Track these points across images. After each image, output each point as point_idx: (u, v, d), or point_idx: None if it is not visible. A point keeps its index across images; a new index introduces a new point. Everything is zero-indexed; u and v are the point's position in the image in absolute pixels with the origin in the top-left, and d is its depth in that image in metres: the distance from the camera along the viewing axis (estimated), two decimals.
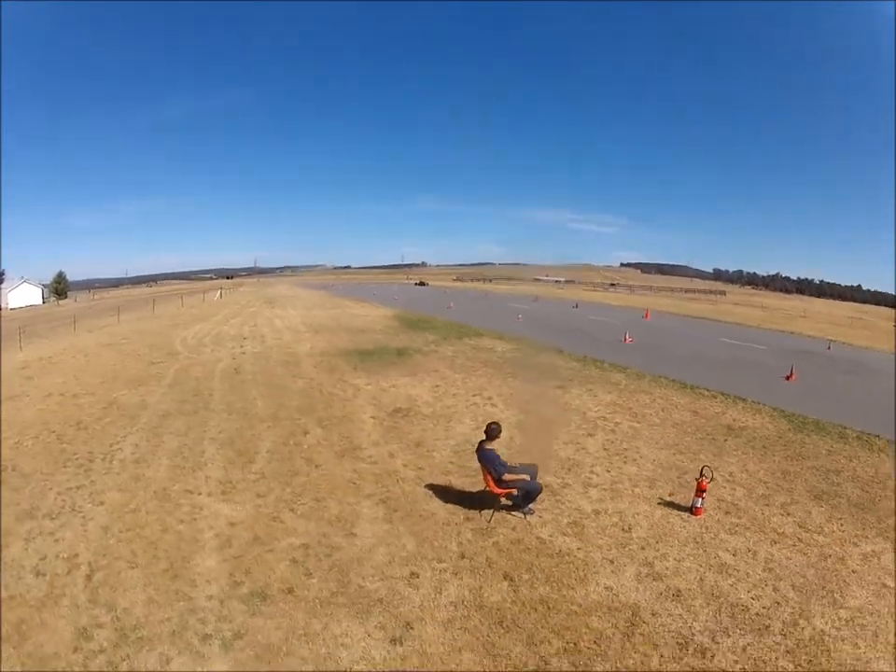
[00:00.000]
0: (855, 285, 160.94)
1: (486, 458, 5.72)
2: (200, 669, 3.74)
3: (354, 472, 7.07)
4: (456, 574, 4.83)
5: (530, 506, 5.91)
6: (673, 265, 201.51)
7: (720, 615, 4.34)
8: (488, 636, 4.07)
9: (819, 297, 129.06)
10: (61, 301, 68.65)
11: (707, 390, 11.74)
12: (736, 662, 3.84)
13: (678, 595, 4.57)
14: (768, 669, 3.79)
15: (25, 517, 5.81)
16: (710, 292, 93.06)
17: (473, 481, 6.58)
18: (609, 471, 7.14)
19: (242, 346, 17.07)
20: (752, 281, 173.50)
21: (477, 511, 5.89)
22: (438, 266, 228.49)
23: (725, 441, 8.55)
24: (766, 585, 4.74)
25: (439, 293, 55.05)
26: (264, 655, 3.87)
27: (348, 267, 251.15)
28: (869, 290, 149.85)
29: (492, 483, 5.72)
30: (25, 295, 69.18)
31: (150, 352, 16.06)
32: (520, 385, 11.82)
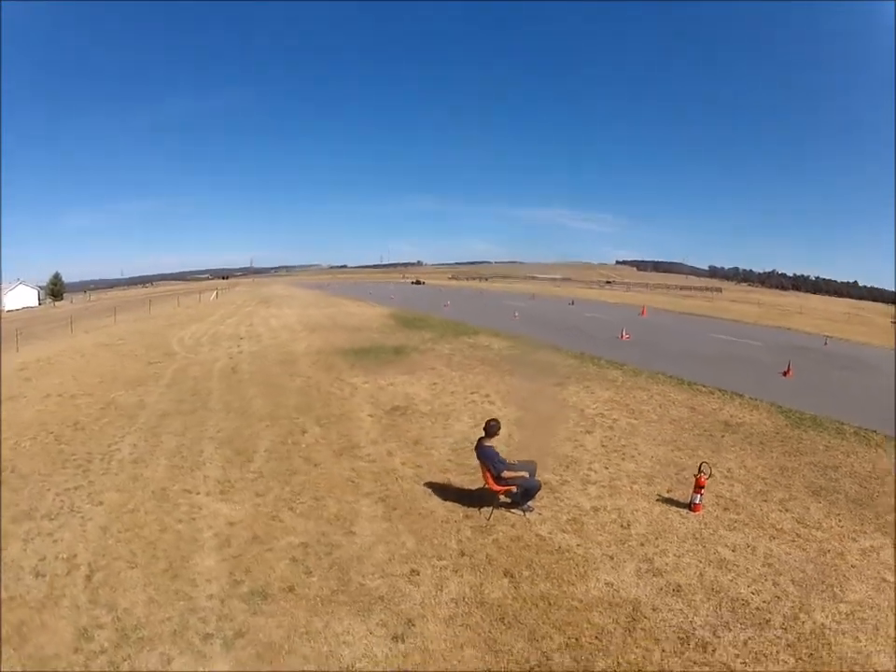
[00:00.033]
0: (851, 281, 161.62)
1: (485, 455, 5.72)
2: (201, 669, 3.74)
3: (352, 471, 7.06)
4: (457, 571, 4.83)
5: (529, 503, 5.91)
6: (669, 262, 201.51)
7: (720, 610, 4.36)
8: (490, 632, 4.08)
9: (815, 293, 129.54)
10: (56, 303, 68.24)
11: (704, 386, 11.75)
12: (738, 656, 3.86)
13: (678, 591, 4.59)
14: (769, 663, 3.80)
15: (24, 518, 5.79)
16: (706, 289, 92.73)
17: (472, 478, 6.58)
18: (607, 468, 7.15)
19: (239, 346, 17.04)
20: (748, 278, 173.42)
21: (476, 509, 5.89)
22: (433, 265, 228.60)
23: (723, 437, 8.57)
24: (766, 580, 4.75)
25: (434, 291, 54.98)
26: (266, 654, 3.86)
27: (344, 266, 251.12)
28: (865, 287, 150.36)
29: (491, 481, 5.72)
30: (21, 297, 68.59)
31: (148, 352, 16.03)
32: (517, 382, 11.81)
